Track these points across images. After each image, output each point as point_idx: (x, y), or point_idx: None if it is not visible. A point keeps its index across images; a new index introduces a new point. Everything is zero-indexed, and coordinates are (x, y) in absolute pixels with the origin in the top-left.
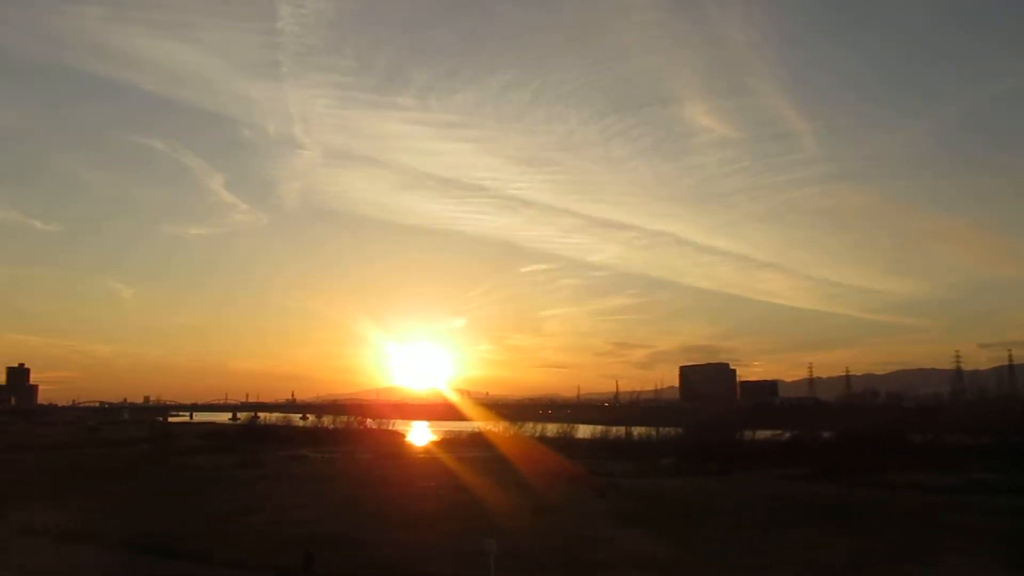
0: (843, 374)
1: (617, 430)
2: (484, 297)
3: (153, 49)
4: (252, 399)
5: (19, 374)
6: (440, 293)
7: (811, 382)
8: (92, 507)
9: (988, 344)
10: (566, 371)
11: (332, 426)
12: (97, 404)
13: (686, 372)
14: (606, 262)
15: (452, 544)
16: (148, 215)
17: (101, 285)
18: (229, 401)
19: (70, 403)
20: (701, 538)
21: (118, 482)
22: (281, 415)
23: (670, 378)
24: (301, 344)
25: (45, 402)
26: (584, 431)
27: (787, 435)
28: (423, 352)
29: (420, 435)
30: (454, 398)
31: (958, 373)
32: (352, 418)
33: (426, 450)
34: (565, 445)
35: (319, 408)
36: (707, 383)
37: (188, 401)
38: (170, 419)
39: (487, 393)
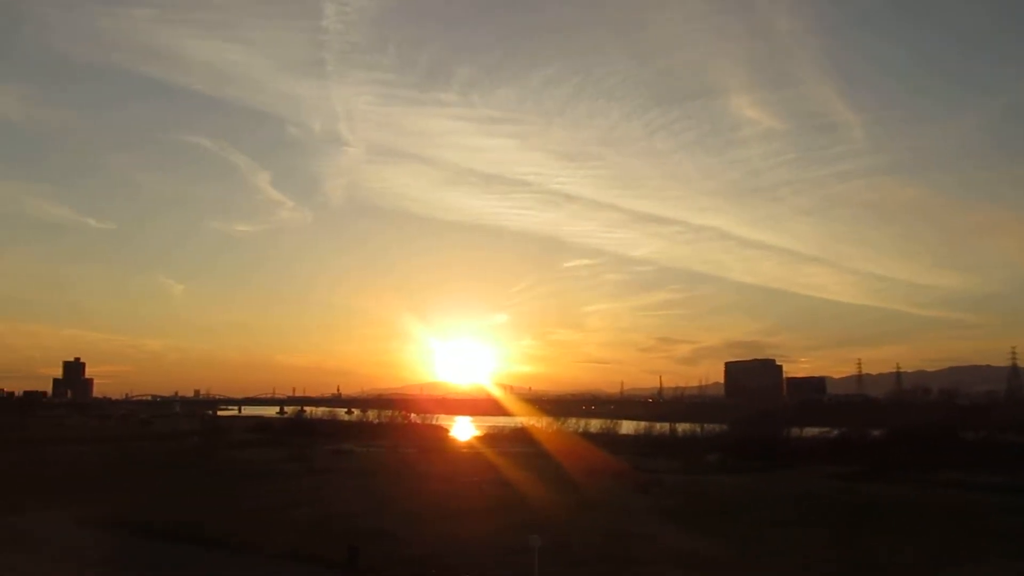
0: (893, 371)
1: (661, 426)
2: (527, 292)
3: (201, 49)
4: (299, 393)
5: (75, 368)
6: (483, 288)
7: (860, 379)
8: (143, 499)
9: None
10: (609, 367)
11: (377, 421)
12: (149, 398)
13: (731, 368)
14: (649, 257)
15: (496, 539)
16: (197, 212)
17: (152, 281)
18: (276, 395)
19: (124, 396)
20: (745, 536)
21: (168, 475)
22: (327, 409)
23: (715, 374)
24: (346, 339)
25: (100, 395)
26: (628, 427)
27: (835, 433)
28: (466, 347)
29: (463, 430)
30: (497, 393)
31: (1014, 370)
32: (396, 413)
33: (469, 445)
34: (608, 441)
35: (364, 403)
36: (753, 379)
37: (236, 395)
38: (219, 413)
39: (530, 389)
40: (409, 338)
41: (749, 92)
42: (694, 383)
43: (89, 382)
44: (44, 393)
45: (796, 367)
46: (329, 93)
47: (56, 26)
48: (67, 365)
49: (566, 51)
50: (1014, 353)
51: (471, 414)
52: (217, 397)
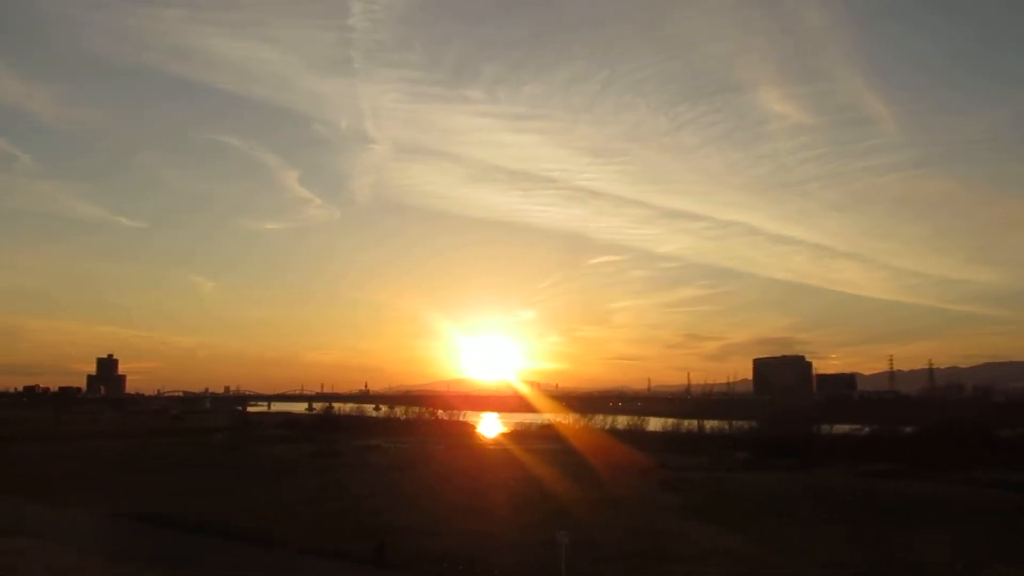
0: (925, 367)
1: (689, 423)
2: (553, 289)
3: (229, 49)
4: (327, 390)
5: (108, 364)
6: (509, 285)
7: (891, 375)
8: (175, 493)
9: None
10: (636, 363)
11: (404, 417)
12: (181, 393)
13: (760, 365)
14: (676, 253)
15: (523, 535)
16: (227, 210)
17: (183, 279)
18: (305, 391)
19: (155, 392)
20: (773, 533)
21: (199, 469)
22: (355, 405)
23: (743, 371)
24: (374, 336)
25: (132, 391)
26: (655, 424)
27: (866, 430)
28: (493, 344)
29: (490, 426)
30: (524, 390)
31: None
32: (424, 409)
33: (496, 442)
34: (636, 438)
35: (391, 399)
36: (781, 376)
37: (266, 391)
38: (249, 409)
39: (556, 385)
40: (436, 335)
41: (777, 86)
42: (722, 380)
43: (122, 378)
44: (78, 389)
45: (826, 364)
46: (356, 91)
47: (88, 27)
48: (100, 361)
49: (592, 47)
50: None
51: (498, 411)
52: (247, 393)
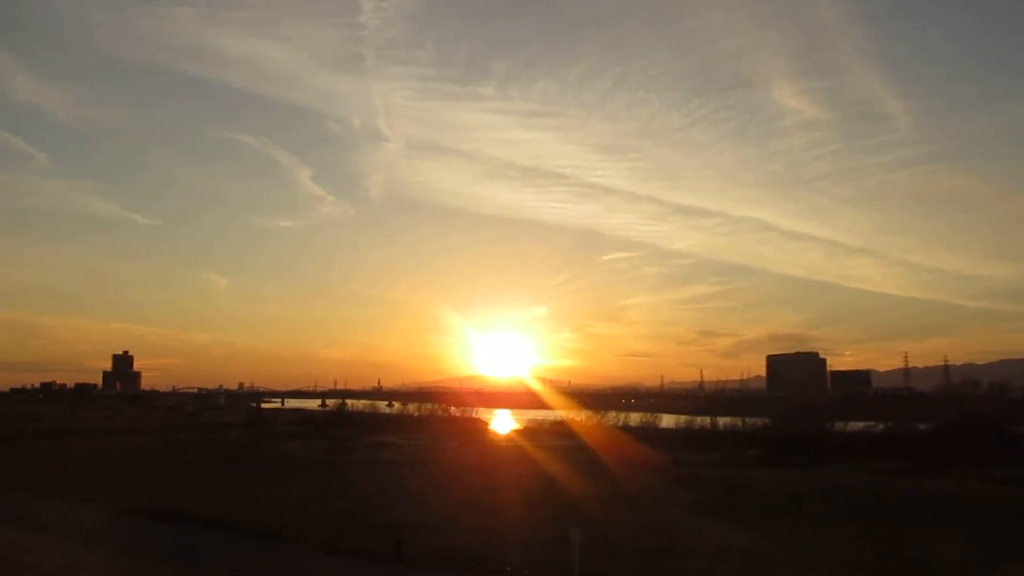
0: (941, 364)
1: (702, 420)
2: (565, 286)
3: (242, 47)
4: (340, 386)
5: (124, 361)
6: (522, 282)
7: (906, 372)
8: (188, 489)
9: None
10: (648, 360)
11: (417, 413)
12: (195, 390)
13: (773, 361)
14: (689, 249)
15: (536, 532)
16: (240, 208)
17: (198, 276)
18: (318, 388)
19: (171, 389)
20: (786, 531)
21: (213, 466)
22: (368, 402)
23: (757, 367)
24: (387, 333)
25: (148, 388)
26: (668, 421)
27: (880, 427)
28: (505, 341)
29: (503, 423)
30: (536, 387)
31: None
32: (436, 406)
33: (509, 438)
34: (648, 435)
35: (404, 396)
36: (795, 372)
37: (279, 388)
38: (263, 405)
39: (569, 382)
40: (449, 331)
41: (790, 81)
42: (735, 377)
43: (138, 375)
44: (95, 385)
45: (840, 360)
46: (368, 89)
47: (102, 27)
48: (116, 358)
49: (605, 43)
50: None
51: (510, 407)
52: (261, 389)
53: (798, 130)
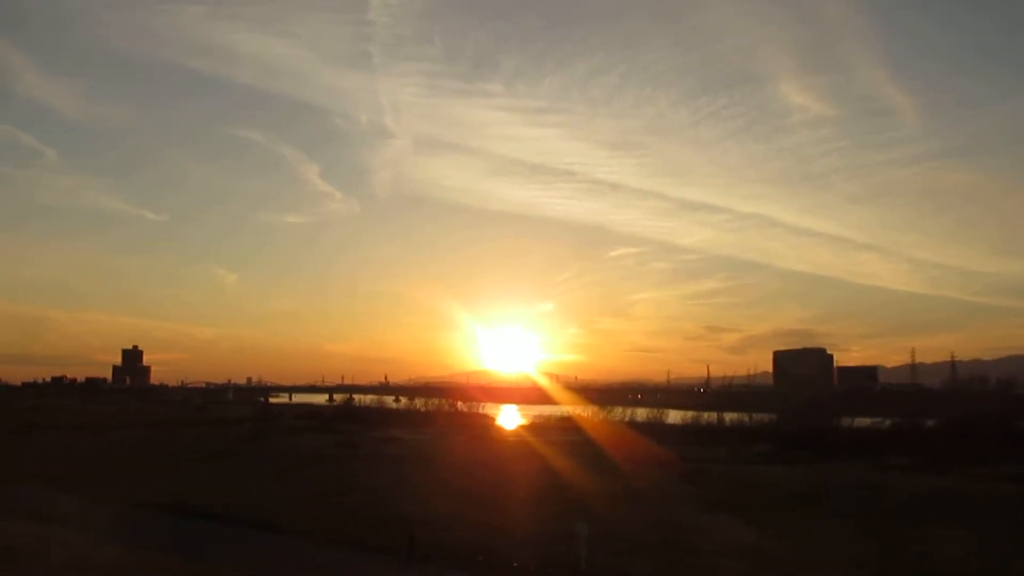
0: (948, 360)
1: (709, 416)
2: (572, 281)
3: (249, 44)
4: (347, 381)
5: (133, 355)
6: (528, 277)
7: (913, 368)
8: (197, 482)
9: None
10: (655, 356)
11: (424, 408)
12: (204, 384)
13: (780, 357)
14: (696, 245)
15: (543, 527)
16: (248, 204)
17: (205, 271)
18: (325, 383)
19: (179, 383)
20: (792, 527)
21: (222, 459)
22: (375, 397)
23: (763, 363)
24: (394, 328)
25: (156, 382)
26: (674, 416)
27: (887, 423)
28: (512, 336)
29: (509, 418)
30: (543, 382)
31: None
32: (443, 401)
33: (515, 433)
34: (655, 430)
35: (411, 390)
36: (802, 368)
37: (287, 382)
38: (271, 400)
39: (575, 377)
40: (455, 327)
41: (798, 78)
42: (742, 372)
43: (147, 369)
44: (104, 379)
45: (847, 356)
46: (376, 85)
47: (110, 24)
48: (125, 352)
49: (612, 39)
50: None
51: (517, 402)
52: (268, 384)
53: (805, 127)
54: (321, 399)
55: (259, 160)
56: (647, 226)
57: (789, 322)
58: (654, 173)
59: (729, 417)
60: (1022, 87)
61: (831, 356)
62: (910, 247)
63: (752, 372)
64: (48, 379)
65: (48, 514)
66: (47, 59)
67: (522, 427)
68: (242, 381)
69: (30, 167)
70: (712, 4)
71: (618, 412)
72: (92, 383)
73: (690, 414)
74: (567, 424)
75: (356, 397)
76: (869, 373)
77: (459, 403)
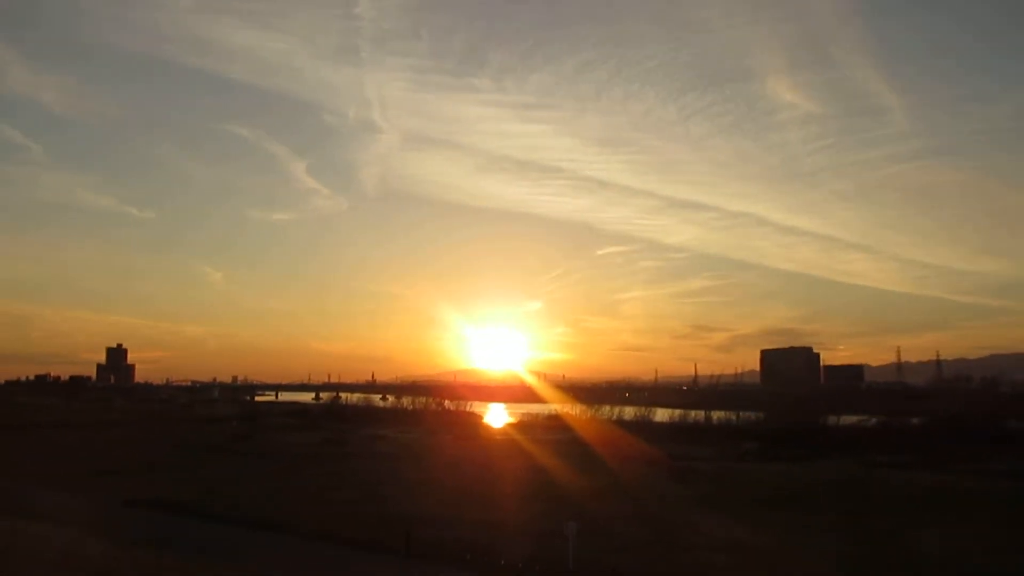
0: (933, 359)
1: (696, 414)
2: (561, 280)
3: (236, 38)
4: (334, 380)
5: (118, 354)
6: (517, 276)
7: (899, 367)
8: (185, 480)
9: None
10: (643, 354)
11: (411, 407)
12: (189, 383)
13: (767, 355)
14: (685, 243)
15: (531, 525)
16: (235, 201)
17: (192, 269)
18: (312, 382)
19: (164, 382)
20: (781, 524)
21: (210, 457)
22: (362, 396)
23: (751, 362)
24: (381, 326)
25: (142, 380)
26: (662, 415)
27: (873, 420)
28: (500, 334)
29: (497, 417)
30: (531, 381)
31: None
32: (431, 399)
33: (503, 432)
34: (643, 429)
35: (399, 389)
36: (789, 367)
37: (273, 381)
38: (257, 398)
39: (563, 376)
40: (443, 325)
41: (787, 75)
42: (730, 371)
43: (131, 367)
44: (89, 378)
45: (834, 355)
46: (363, 80)
47: (97, 18)
48: (110, 351)
49: (600, 36)
50: None
51: (505, 401)
52: (255, 383)
53: (794, 124)
54: (308, 398)
55: (245, 156)
56: (636, 224)
57: (776, 321)
58: (643, 170)
59: (717, 415)
60: (1011, 87)
61: (818, 355)
62: (897, 246)
63: (740, 371)
64: (32, 377)
65: (36, 511)
66: (33, 53)
67: (510, 426)
68: (228, 379)
69: (16, 163)
70: (702, 1)
71: (606, 410)
72: (76, 381)
73: (678, 412)
74: (555, 423)
75: (343, 396)
76: (855, 372)
77: (447, 402)
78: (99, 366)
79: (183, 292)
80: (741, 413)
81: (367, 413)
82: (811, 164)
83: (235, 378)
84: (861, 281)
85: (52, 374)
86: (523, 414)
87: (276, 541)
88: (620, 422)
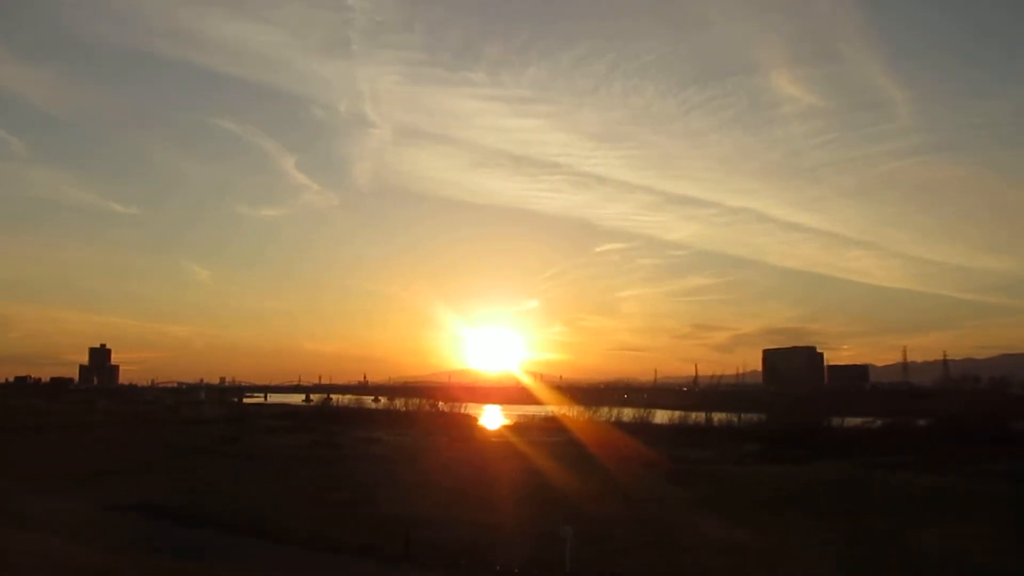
0: (940, 359)
1: (696, 415)
2: (558, 278)
3: (223, 29)
4: (325, 381)
5: (101, 354)
6: (513, 274)
7: (905, 366)
8: (176, 484)
9: None
10: (642, 354)
11: (404, 409)
12: (175, 384)
13: (769, 355)
14: (685, 240)
15: (528, 528)
16: (222, 197)
17: (177, 266)
18: (302, 383)
19: (149, 383)
20: (783, 526)
21: (197, 460)
22: (353, 397)
23: (752, 362)
24: (373, 325)
25: (126, 382)
26: (662, 416)
27: (878, 422)
28: (496, 334)
29: (493, 418)
30: (527, 381)
31: None
32: (424, 401)
33: (499, 434)
34: (642, 430)
35: (391, 390)
36: (792, 367)
37: (262, 382)
38: (245, 400)
39: (561, 376)
40: (437, 325)
41: (790, 68)
42: (731, 371)
43: (115, 368)
44: (71, 379)
45: (837, 354)
46: (355, 73)
47: (79, 8)
48: (93, 352)
49: (598, 29)
50: None
51: (501, 402)
52: (243, 384)
53: (797, 118)
54: (298, 399)
55: (233, 151)
56: (634, 220)
57: (779, 320)
58: (642, 166)
59: (717, 417)
60: (1016, 81)
61: (821, 355)
62: (902, 243)
63: (741, 371)
64: (12, 379)
65: (19, 517)
66: (13, 46)
67: (506, 427)
68: (215, 381)
69: None
70: None
71: (604, 412)
72: (58, 383)
73: (677, 414)
74: (552, 424)
75: (334, 397)
76: (860, 372)
77: (441, 403)
78: (82, 367)
79: (169, 291)
80: (743, 414)
81: (359, 415)
82: (813, 159)
83: (223, 379)
84: (865, 279)
85: (33, 376)
86: (519, 416)
87: (272, 547)
88: (619, 424)
